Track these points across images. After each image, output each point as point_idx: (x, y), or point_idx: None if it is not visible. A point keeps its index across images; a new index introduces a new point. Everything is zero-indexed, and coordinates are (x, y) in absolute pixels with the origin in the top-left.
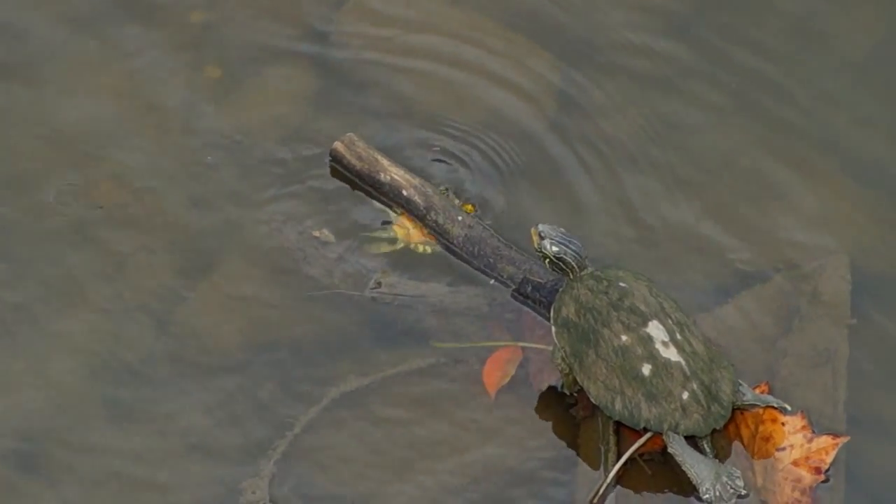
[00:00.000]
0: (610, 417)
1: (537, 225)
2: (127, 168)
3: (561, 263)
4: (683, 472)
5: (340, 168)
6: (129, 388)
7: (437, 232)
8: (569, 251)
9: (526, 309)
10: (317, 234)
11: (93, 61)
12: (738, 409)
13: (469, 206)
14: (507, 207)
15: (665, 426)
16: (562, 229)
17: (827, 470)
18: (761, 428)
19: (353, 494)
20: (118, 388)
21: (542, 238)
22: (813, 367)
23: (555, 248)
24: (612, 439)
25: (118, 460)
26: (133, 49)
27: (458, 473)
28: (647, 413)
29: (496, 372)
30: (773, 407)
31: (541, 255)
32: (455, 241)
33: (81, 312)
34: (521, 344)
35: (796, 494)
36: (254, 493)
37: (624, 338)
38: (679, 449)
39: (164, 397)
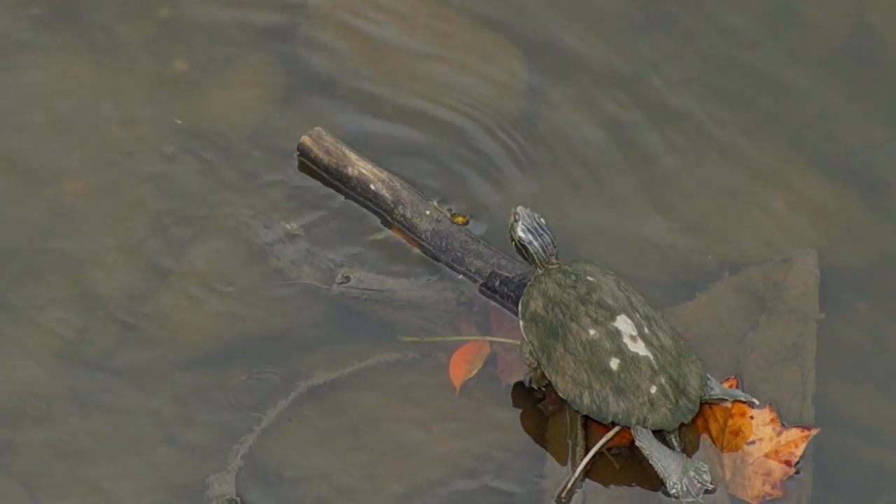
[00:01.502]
0: (578, 412)
1: (517, 206)
2: (94, 161)
3: (524, 250)
4: (651, 466)
5: (308, 162)
6: (96, 381)
7: (405, 226)
8: (535, 242)
9: (494, 303)
10: (285, 228)
11: (59, 54)
12: (706, 404)
13: (460, 218)
14: (471, 202)
15: (633, 420)
16: (541, 220)
17: (797, 462)
18: (730, 422)
19: (321, 488)
20: (85, 382)
21: (515, 220)
22: (781, 361)
23: (521, 234)
24: (580, 433)
25: (84, 453)
26: (100, 42)
27: (426, 468)
28: (615, 407)
29: (462, 365)
30: (741, 401)
31: (510, 235)
32: (423, 236)
33: (47, 307)
34: (488, 338)
35: (767, 488)
36: (221, 486)
37: (592, 332)
38: (647, 443)
39: (131, 391)
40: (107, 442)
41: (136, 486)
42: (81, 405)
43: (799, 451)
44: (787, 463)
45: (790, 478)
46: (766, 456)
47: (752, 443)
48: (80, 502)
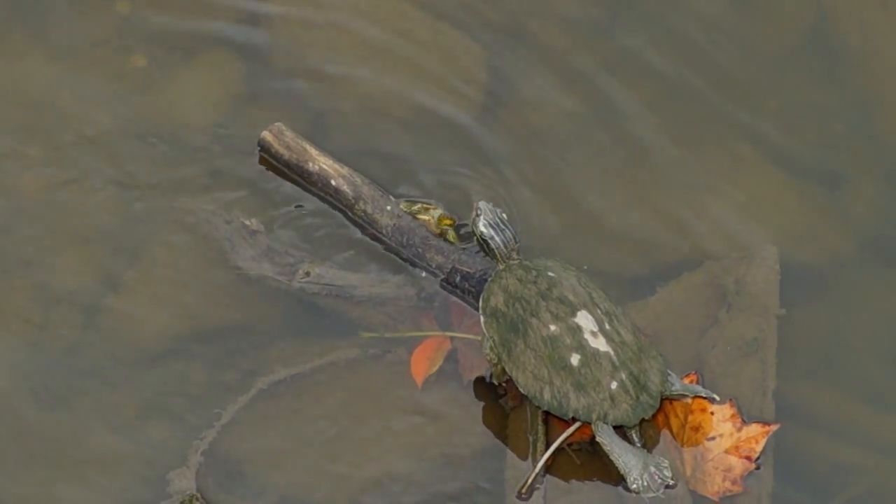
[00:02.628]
0: (539, 407)
1: (479, 201)
2: (53, 157)
3: (485, 245)
4: (612, 462)
5: (269, 157)
6: (57, 377)
7: (365, 221)
8: (496, 238)
9: (454, 299)
10: (245, 224)
11: (16, 50)
12: (667, 399)
13: (447, 220)
14: (429, 198)
15: (594, 416)
16: (503, 215)
17: (757, 458)
18: (690, 418)
19: (281, 484)
20: (46, 378)
21: (477, 215)
22: (742, 357)
23: (482, 230)
24: (540, 429)
25: (43, 449)
26: (58, 37)
27: (387, 464)
28: (575, 403)
29: (424, 361)
30: (701, 397)
31: (471, 230)
32: (384, 231)
33: (6, 303)
34: (449, 334)
35: (727, 483)
36: (181, 482)
37: (553, 327)
38: (607, 439)
39: (92, 386)
40: (66, 438)
41: (96, 484)
42: (40, 401)
43: (759, 447)
44: (748, 459)
45: (750, 473)
46: (727, 452)
47: (713, 438)
48: (39, 499)
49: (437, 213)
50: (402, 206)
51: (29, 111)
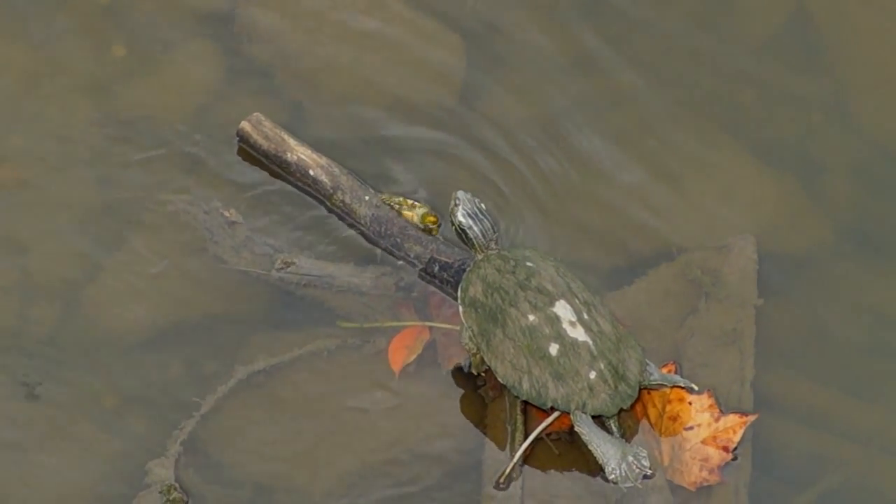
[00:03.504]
0: (517, 397)
1: (458, 191)
2: (33, 147)
3: (463, 235)
4: (590, 451)
5: (247, 148)
6: (36, 366)
7: (343, 211)
8: (474, 227)
9: (433, 289)
10: (225, 214)
11: None
12: (645, 389)
13: (431, 218)
14: (407, 189)
15: (572, 406)
16: (482, 205)
17: (735, 448)
18: (668, 407)
19: (260, 474)
20: (25, 368)
21: (455, 204)
22: (720, 346)
23: (461, 220)
24: (519, 419)
25: (22, 438)
26: (39, 28)
27: (365, 454)
28: (554, 392)
29: (402, 350)
30: (679, 386)
31: (450, 220)
32: (362, 221)
33: None
34: (428, 324)
35: (704, 473)
36: (160, 472)
37: (531, 317)
38: (586, 428)
39: (71, 376)
40: (45, 427)
41: (75, 473)
42: (20, 391)
43: (737, 438)
44: (725, 449)
45: (728, 464)
46: (704, 442)
47: (690, 428)
48: (18, 488)
49: (422, 210)
50: (384, 199)
51: (9, 100)
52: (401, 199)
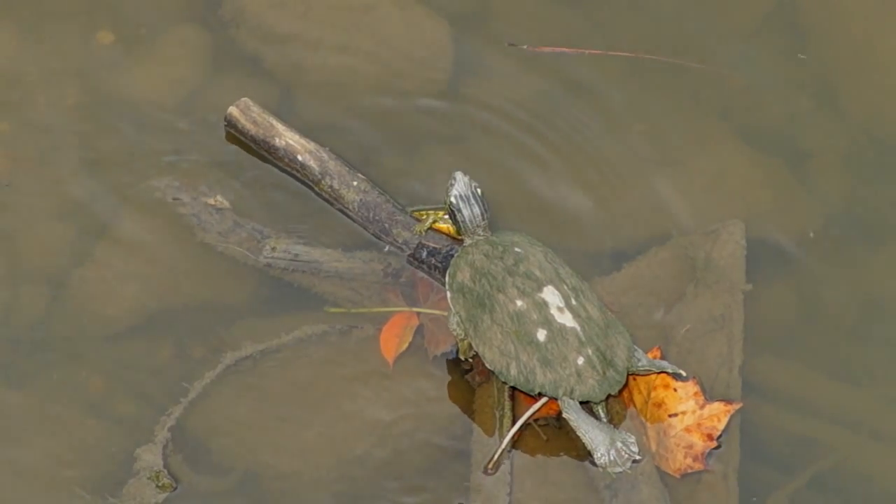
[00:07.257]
0: (505, 383)
1: (457, 171)
2: (21, 134)
3: (452, 217)
4: (578, 437)
5: (236, 133)
6: (24, 353)
7: (332, 197)
8: (464, 211)
9: (421, 274)
10: (212, 200)
11: None
12: (633, 375)
13: (419, 213)
14: (396, 173)
15: (560, 391)
16: (478, 189)
17: (719, 436)
18: (654, 394)
19: (248, 460)
20: (12, 354)
21: (451, 184)
22: (708, 332)
23: (452, 200)
24: (507, 405)
25: (10, 426)
26: (25, 14)
27: (353, 441)
28: (542, 378)
29: (393, 340)
30: (667, 373)
31: (444, 198)
32: (350, 207)
33: None
34: (415, 309)
35: (689, 461)
36: (148, 459)
37: (519, 303)
38: (574, 414)
39: (59, 362)
40: (33, 414)
41: (63, 459)
42: (7, 377)
43: (721, 425)
44: (709, 437)
45: (712, 451)
46: (688, 429)
47: (675, 415)
48: (6, 475)
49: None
50: (414, 214)
51: None
52: (433, 212)
